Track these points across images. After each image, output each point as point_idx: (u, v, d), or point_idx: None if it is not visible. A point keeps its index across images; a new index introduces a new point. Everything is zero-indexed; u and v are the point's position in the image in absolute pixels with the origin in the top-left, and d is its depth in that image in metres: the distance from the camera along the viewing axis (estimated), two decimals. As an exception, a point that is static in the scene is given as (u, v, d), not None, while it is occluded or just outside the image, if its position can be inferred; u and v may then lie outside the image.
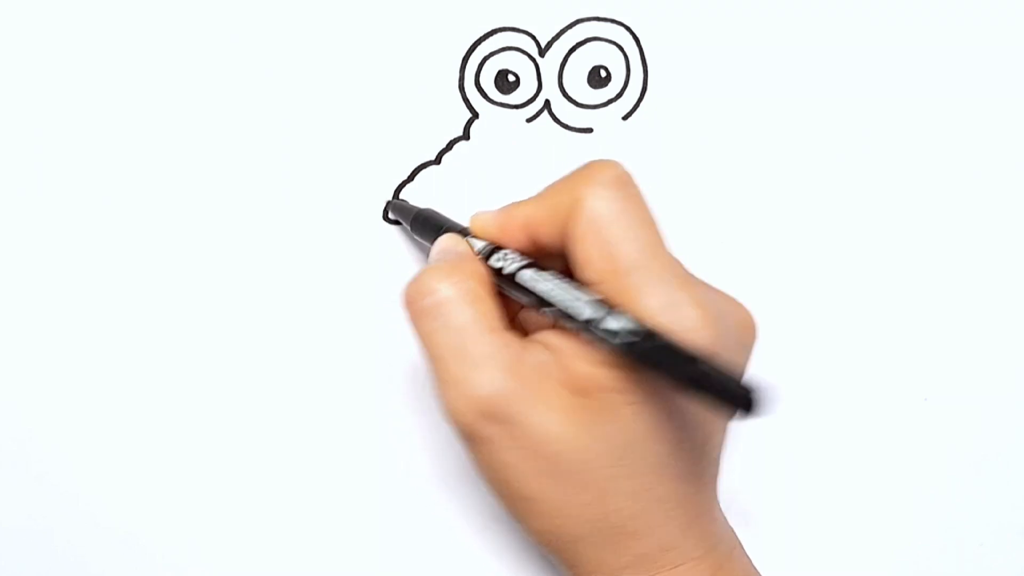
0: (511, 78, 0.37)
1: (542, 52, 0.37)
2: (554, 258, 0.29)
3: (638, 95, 0.37)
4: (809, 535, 0.38)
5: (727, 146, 0.37)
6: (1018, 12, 0.38)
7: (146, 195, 0.37)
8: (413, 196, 0.37)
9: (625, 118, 0.37)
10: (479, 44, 0.37)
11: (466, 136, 0.37)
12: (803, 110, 0.37)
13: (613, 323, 0.25)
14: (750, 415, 0.22)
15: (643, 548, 0.28)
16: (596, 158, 0.28)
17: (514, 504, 0.29)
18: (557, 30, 0.37)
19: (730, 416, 0.23)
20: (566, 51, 0.37)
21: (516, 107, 0.37)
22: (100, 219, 0.37)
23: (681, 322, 0.26)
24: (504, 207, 0.30)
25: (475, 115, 0.37)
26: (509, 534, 0.37)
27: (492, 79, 0.37)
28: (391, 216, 0.37)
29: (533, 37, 0.37)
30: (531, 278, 0.28)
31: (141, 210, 0.37)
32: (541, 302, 0.28)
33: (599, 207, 0.27)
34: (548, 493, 0.28)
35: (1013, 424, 0.38)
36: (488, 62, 0.37)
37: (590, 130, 0.37)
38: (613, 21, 0.37)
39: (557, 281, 0.28)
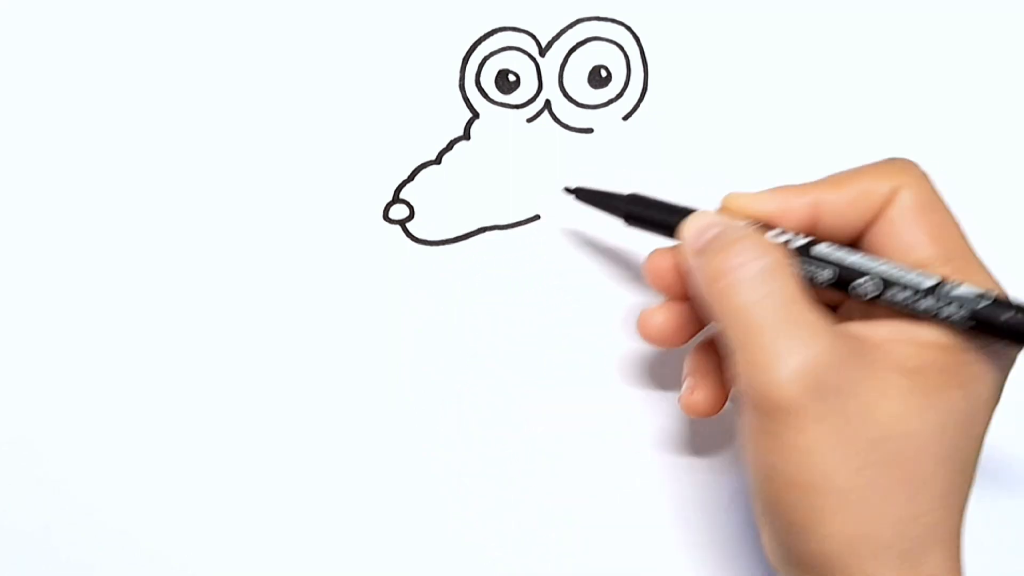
0: (511, 78, 0.37)
1: (542, 52, 0.37)
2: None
3: (638, 95, 0.37)
4: (809, 535, 0.38)
5: (727, 146, 0.37)
6: (1018, 12, 0.38)
7: (147, 195, 0.37)
8: (413, 196, 0.37)
9: (625, 118, 0.37)
10: (479, 44, 0.37)
11: (466, 136, 0.37)
12: (803, 110, 0.37)
13: (962, 290, 0.25)
14: None
15: (932, 570, 0.25)
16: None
17: (814, 499, 0.25)
18: (557, 30, 0.37)
19: None
20: (566, 51, 0.37)
21: (516, 107, 0.37)
22: (100, 218, 0.37)
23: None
24: (776, 188, 0.29)
25: (475, 115, 0.37)
26: (510, 534, 0.37)
27: (492, 79, 0.37)
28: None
29: (533, 37, 0.37)
30: (837, 253, 0.27)
31: (141, 210, 0.37)
32: (849, 276, 0.27)
33: (929, 193, 0.28)
34: (864, 485, 0.25)
35: (1013, 424, 0.38)
36: (488, 62, 0.37)
37: (590, 130, 0.37)
38: (614, 21, 0.37)
39: (870, 255, 0.27)
